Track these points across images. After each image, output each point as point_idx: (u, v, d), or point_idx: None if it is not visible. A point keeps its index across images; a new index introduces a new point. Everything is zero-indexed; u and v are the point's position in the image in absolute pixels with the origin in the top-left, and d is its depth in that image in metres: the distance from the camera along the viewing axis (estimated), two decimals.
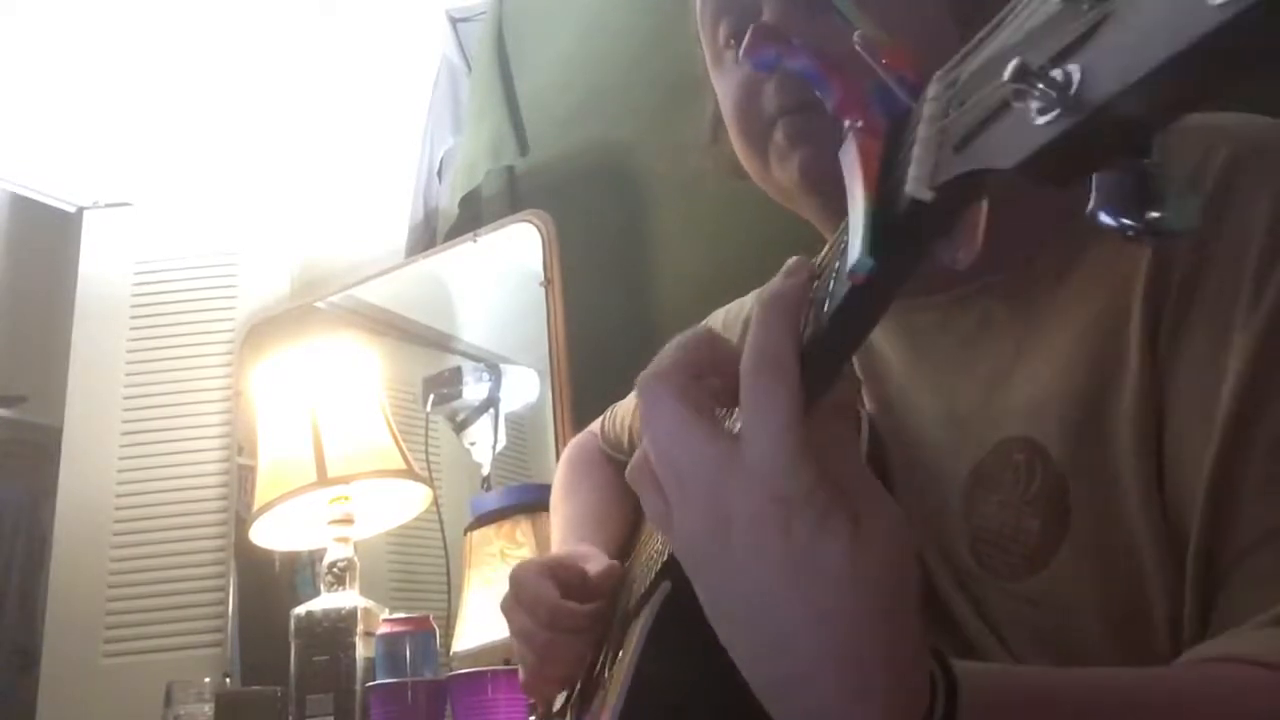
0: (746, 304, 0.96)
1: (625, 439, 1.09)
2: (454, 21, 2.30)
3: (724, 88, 0.74)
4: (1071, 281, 0.63)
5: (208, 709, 1.51)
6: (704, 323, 1.01)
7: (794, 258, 0.46)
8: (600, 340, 1.75)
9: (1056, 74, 0.28)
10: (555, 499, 1.11)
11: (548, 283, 1.81)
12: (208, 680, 1.57)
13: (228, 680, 1.85)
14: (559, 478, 1.13)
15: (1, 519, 2.54)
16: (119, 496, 2.13)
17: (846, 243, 0.39)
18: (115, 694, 1.96)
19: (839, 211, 0.64)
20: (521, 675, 0.84)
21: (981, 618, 0.65)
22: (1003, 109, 0.30)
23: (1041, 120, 0.28)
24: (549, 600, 0.79)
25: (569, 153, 2.01)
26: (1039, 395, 0.63)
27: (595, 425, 1.16)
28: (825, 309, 0.41)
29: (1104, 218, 0.29)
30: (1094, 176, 0.29)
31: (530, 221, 1.88)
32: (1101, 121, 0.27)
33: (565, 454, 1.17)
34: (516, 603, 0.82)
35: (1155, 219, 0.29)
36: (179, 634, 2.05)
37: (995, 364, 0.66)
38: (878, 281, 0.37)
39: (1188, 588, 0.55)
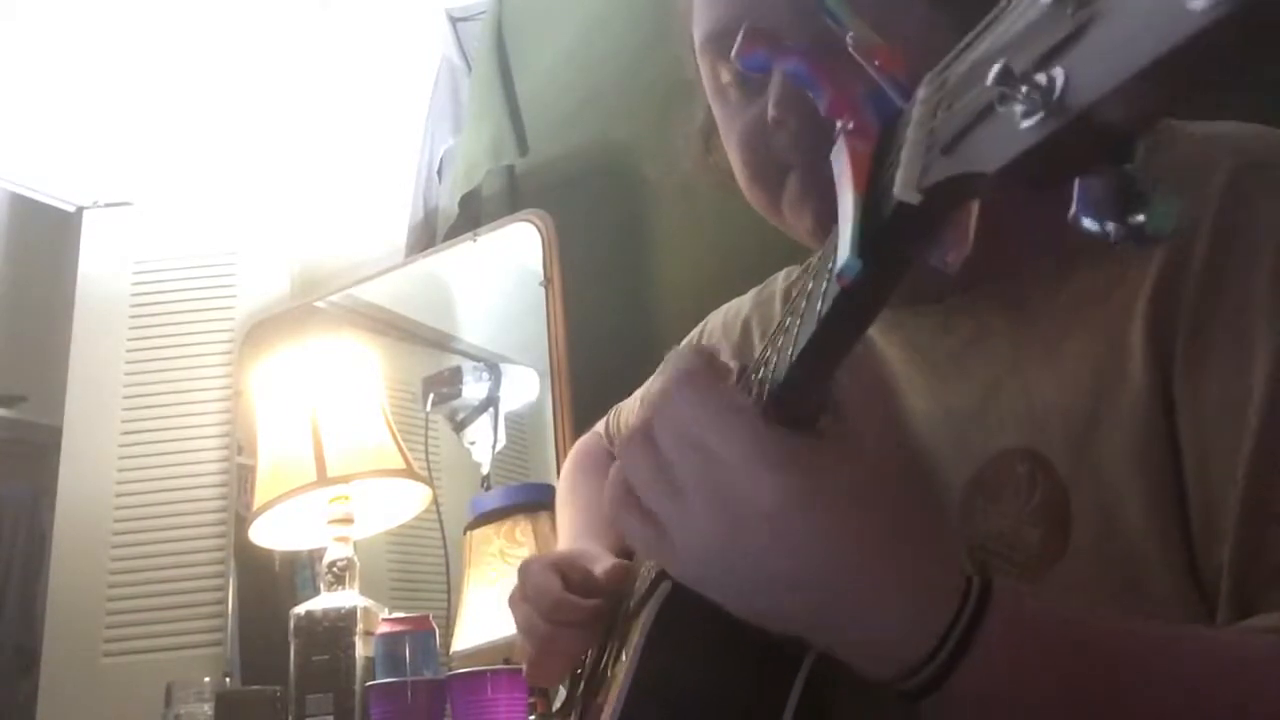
0: (745, 305, 0.95)
1: None
2: (454, 21, 2.30)
3: (727, 123, 0.73)
4: (1069, 290, 0.62)
5: (208, 709, 1.50)
6: (702, 324, 1.01)
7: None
8: (600, 340, 1.75)
9: (1040, 78, 0.28)
10: (560, 501, 1.11)
11: (548, 282, 1.81)
12: (208, 680, 1.57)
13: (228, 680, 1.85)
14: (563, 480, 1.14)
15: (1, 518, 2.54)
16: (119, 496, 2.13)
17: (836, 246, 0.40)
18: (115, 694, 1.96)
19: None
20: (524, 667, 0.85)
21: None
22: (989, 112, 0.30)
23: (1026, 124, 0.28)
24: (552, 592, 0.80)
25: (569, 153, 2.01)
26: (1039, 405, 0.62)
27: (599, 426, 1.16)
28: (818, 309, 0.41)
29: (1086, 222, 0.29)
30: (1076, 181, 0.29)
31: (530, 221, 1.88)
32: (1084, 126, 0.27)
33: (570, 455, 1.17)
34: (522, 594, 0.83)
35: (1137, 223, 0.29)
36: (179, 634, 2.05)
37: (992, 372, 0.66)
38: (866, 284, 0.37)
39: (1221, 602, 0.54)
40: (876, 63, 0.38)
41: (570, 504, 1.07)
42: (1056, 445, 0.61)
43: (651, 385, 1.05)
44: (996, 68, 0.29)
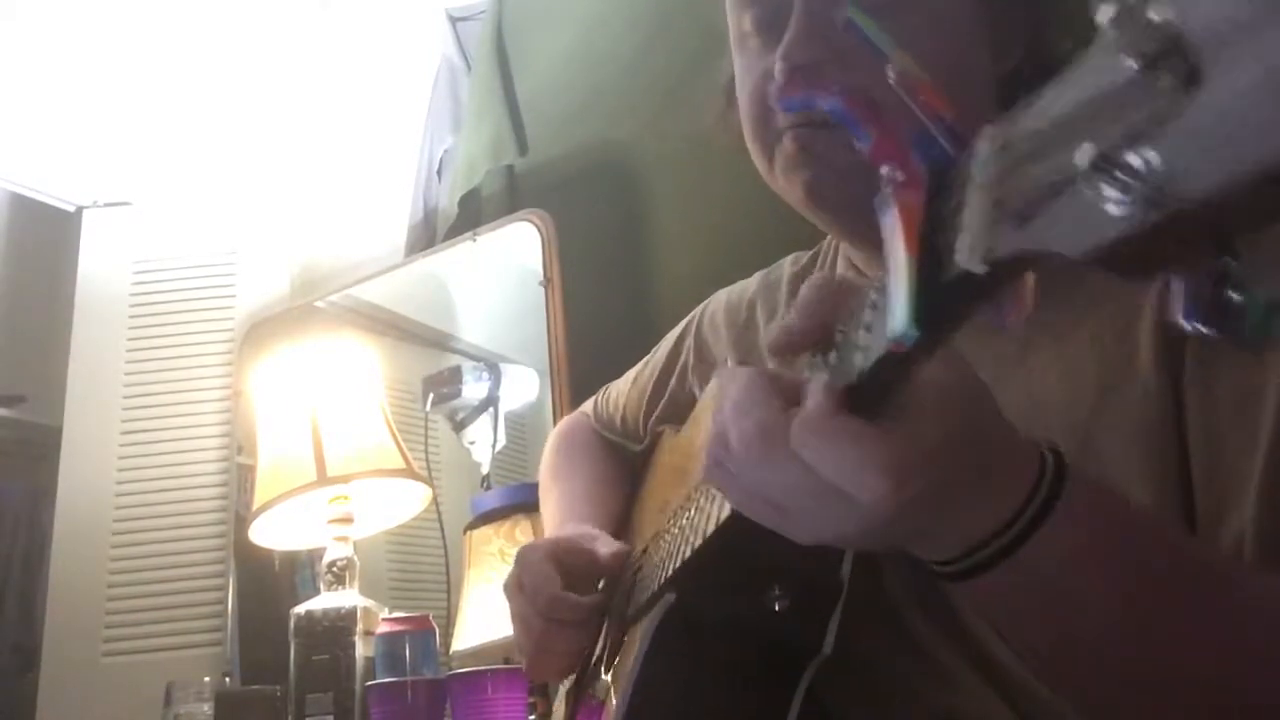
0: (751, 286, 0.95)
1: (618, 419, 1.08)
2: (454, 21, 2.30)
3: (743, 74, 0.74)
4: (1082, 286, 0.62)
5: (207, 708, 1.50)
6: (704, 304, 1.01)
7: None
8: (600, 340, 1.75)
9: (1134, 160, 0.25)
10: (545, 480, 1.10)
11: (547, 282, 1.81)
12: (208, 680, 1.57)
13: (227, 680, 1.85)
14: (548, 458, 1.12)
15: (1, 518, 2.54)
16: (119, 496, 2.13)
17: (884, 299, 0.38)
18: (115, 694, 1.96)
19: (845, 229, 0.65)
20: (522, 661, 0.84)
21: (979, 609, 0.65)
22: (1068, 187, 0.27)
23: (1115, 211, 0.25)
24: (549, 590, 0.78)
25: (569, 153, 2.01)
26: (1045, 398, 0.62)
27: (587, 405, 1.15)
28: (861, 362, 0.40)
29: (1183, 322, 0.27)
30: (1177, 279, 0.27)
31: (530, 221, 1.88)
32: (1183, 221, 0.24)
33: (554, 434, 1.16)
34: (518, 586, 0.81)
35: (1237, 324, 0.26)
36: (179, 634, 2.04)
37: (997, 364, 0.66)
38: (919, 347, 0.36)
39: None
40: (920, 98, 0.36)
41: (558, 483, 1.06)
42: (1057, 436, 0.61)
43: (653, 362, 1.04)
44: (1089, 150, 0.25)
